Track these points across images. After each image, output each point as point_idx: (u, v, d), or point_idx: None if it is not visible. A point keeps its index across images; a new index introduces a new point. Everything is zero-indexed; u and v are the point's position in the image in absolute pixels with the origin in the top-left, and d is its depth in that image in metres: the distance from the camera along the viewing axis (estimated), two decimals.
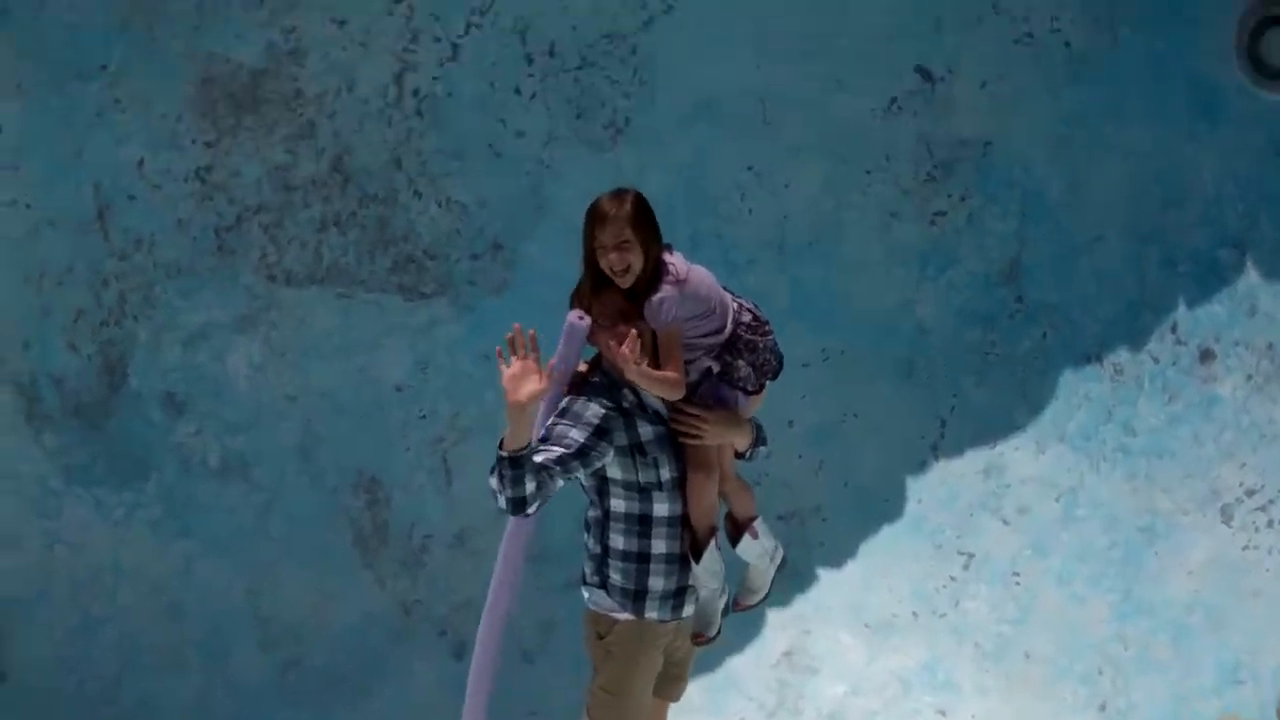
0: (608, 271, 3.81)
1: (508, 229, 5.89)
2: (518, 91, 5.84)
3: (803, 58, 5.95)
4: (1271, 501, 5.67)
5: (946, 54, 5.94)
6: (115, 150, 5.34)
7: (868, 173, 6.00)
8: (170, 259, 5.55)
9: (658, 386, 3.86)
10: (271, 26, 5.45)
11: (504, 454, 3.66)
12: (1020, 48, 5.93)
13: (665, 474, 3.93)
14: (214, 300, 5.63)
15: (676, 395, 3.90)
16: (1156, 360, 5.85)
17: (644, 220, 3.81)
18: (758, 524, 4.13)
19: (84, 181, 5.34)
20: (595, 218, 3.81)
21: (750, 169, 5.99)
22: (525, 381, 3.66)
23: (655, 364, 3.85)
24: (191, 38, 5.33)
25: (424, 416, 5.84)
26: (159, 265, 5.55)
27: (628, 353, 3.69)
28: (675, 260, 3.88)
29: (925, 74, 5.99)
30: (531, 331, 3.70)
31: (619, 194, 3.85)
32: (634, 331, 3.75)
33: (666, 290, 3.82)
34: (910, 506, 5.90)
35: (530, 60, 5.83)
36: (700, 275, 3.92)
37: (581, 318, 3.83)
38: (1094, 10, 5.86)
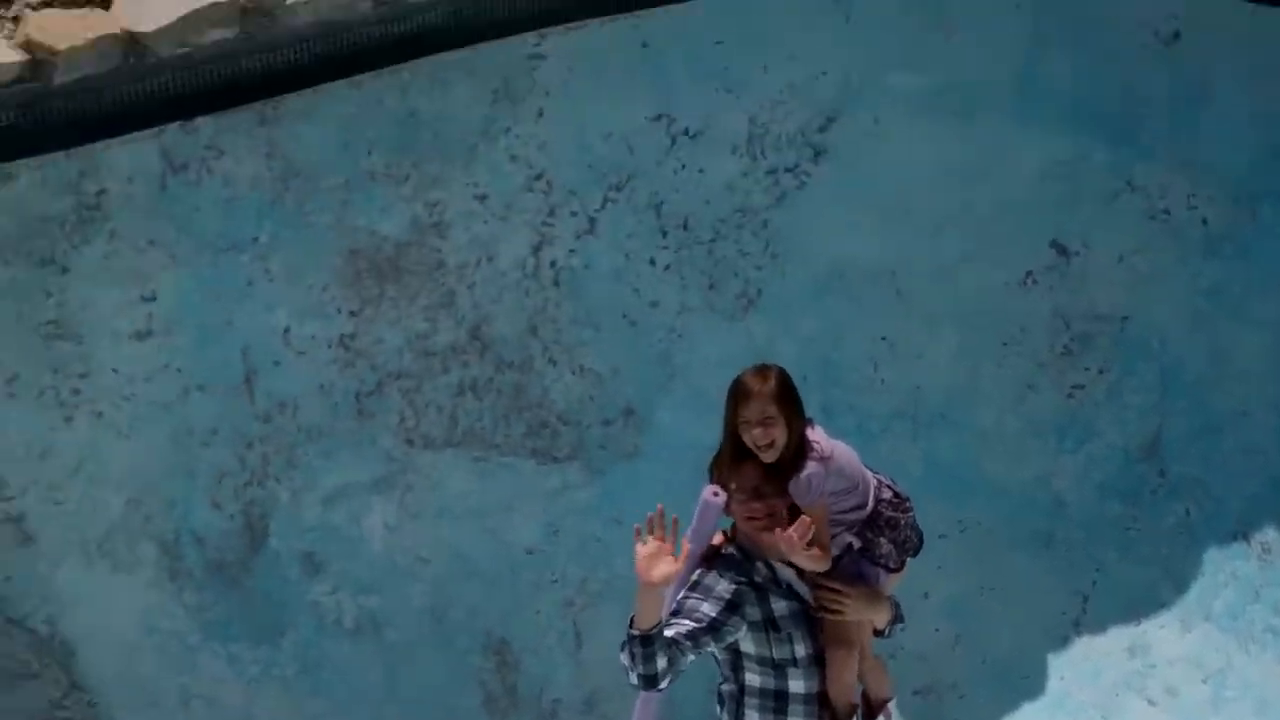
0: (751, 446, 3.80)
1: (640, 396, 5.92)
2: (652, 263, 5.91)
3: (936, 230, 5.96)
4: None
5: (1082, 229, 5.93)
6: (263, 318, 5.48)
7: (1003, 345, 5.95)
8: (312, 422, 5.64)
9: (806, 562, 3.81)
10: (416, 201, 5.60)
11: (635, 632, 3.61)
12: (1157, 224, 5.89)
13: (800, 650, 3.85)
14: (352, 462, 5.69)
15: (822, 568, 3.85)
16: None
17: (788, 396, 3.81)
18: (891, 706, 4.02)
19: (232, 348, 5.47)
20: (739, 393, 3.82)
21: (883, 339, 5.97)
22: (659, 563, 3.64)
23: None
24: (340, 211, 5.48)
25: (555, 580, 5.82)
26: (301, 428, 5.63)
27: (795, 538, 3.67)
28: (818, 436, 3.86)
29: (1060, 248, 5.96)
30: (674, 517, 3.69)
31: (763, 370, 3.85)
32: (805, 518, 3.73)
33: (812, 467, 3.79)
34: (1052, 684, 5.73)
35: (664, 233, 5.90)
36: (843, 451, 3.89)
37: (717, 494, 3.81)
38: (1232, 188, 5.83)
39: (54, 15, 5.06)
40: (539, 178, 5.78)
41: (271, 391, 5.56)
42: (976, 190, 5.98)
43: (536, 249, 5.81)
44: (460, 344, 5.76)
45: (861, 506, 3.91)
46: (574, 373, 5.87)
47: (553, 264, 5.83)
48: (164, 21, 5.04)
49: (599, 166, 5.82)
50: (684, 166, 5.88)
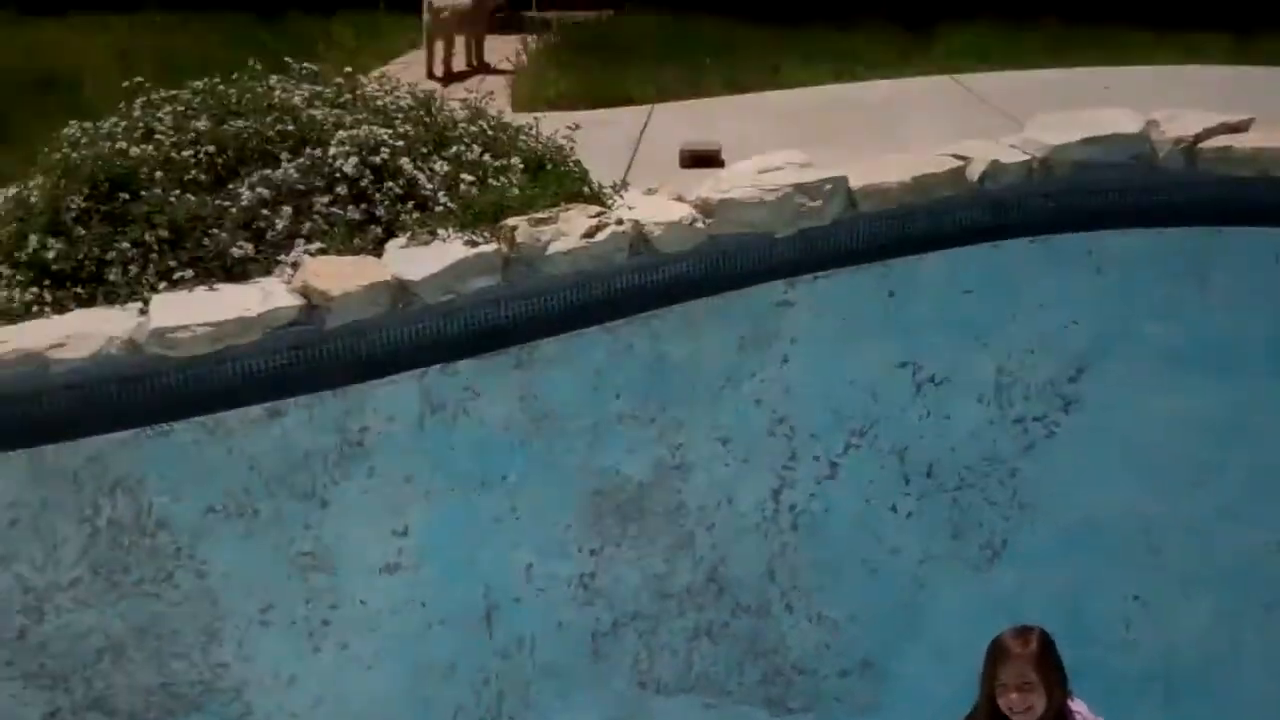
0: (1006, 711, 3.67)
1: (879, 647, 5.78)
2: (894, 510, 5.84)
3: (1191, 486, 5.80)
4: None
5: None
6: (507, 555, 5.55)
7: (1265, 609, 5.67)
8: (548, 660, 5.63)
9: None
10: (660, 443, 5.67)
11: None
12: None
13: None
14: (586, 703, 5.65)
15: None
16: None
17: (1049, 662, 3.70)
18: None
19: (475, 583, 5.54)
20: (998, 654, 3.72)
21: (1135, 598, 5.76)
22: None
23: None
24: (587, 453, 5.57)
25: None
26: (537, 666, 5.63)
27: None
28: (1080, 707, 3.72)
29: None
30: None
31: (1024, 631, 3.76)
32: None
33: None
34: None
35: (907, 480, 5.84)
36: None
37: None
38: None
39: (329, 262, 5.34)
40: (782, 422, 5.78)
41: (510, 628, 5.59)
42: (1233, 446, 5.82)
43: (777, 493, 5.78)
44: (697, 586, 5.73)
45: None
46: (811, 620, 5.77)
47: (793, 508, 5.79)
48: (432, 270, 5.28)
49: (842, 412, 5.81)
50: (929, 413, 5.84)
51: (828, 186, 5.73)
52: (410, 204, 5.61)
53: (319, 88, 6.27)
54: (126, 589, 5.15)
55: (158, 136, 5.75)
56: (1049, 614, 5.29)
